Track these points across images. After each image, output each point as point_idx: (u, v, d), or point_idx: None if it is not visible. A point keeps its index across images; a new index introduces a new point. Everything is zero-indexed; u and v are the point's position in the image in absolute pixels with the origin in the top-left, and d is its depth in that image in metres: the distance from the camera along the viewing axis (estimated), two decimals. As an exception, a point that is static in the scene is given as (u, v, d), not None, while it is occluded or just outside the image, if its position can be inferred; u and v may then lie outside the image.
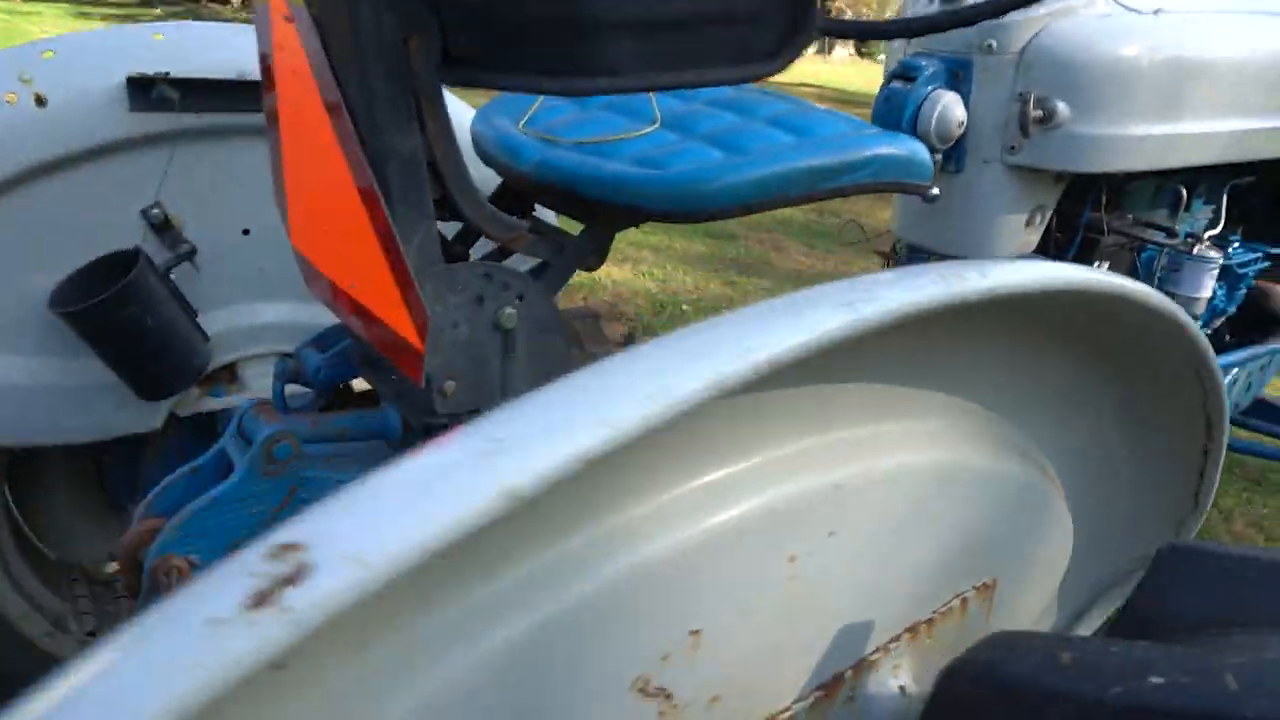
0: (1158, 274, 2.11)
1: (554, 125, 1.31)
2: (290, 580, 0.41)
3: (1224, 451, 1.04)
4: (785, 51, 0.86)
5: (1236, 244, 2.23)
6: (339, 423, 1.19)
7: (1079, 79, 1.61)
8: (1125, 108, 1.66)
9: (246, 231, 1.65)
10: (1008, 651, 0.69)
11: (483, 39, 0.91)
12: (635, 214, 1.15)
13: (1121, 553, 1.11)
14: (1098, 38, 1.63)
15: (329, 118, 0.98)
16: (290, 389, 1.28)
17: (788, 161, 1.13)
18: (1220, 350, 2.32)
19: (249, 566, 0.42)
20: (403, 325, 1.01)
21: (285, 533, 0.44)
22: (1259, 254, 2.27)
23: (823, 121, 1.25)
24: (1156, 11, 1.76)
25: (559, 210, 1.36)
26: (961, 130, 1.64)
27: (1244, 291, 2.34)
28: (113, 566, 2.11)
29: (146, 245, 1.54)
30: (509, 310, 1.06)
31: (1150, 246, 2.06)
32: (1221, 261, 2.10)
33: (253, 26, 1.20)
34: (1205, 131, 1.81)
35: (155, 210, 1.53)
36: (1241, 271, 2.27)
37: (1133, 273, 2.09)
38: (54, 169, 1.41)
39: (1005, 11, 1.11)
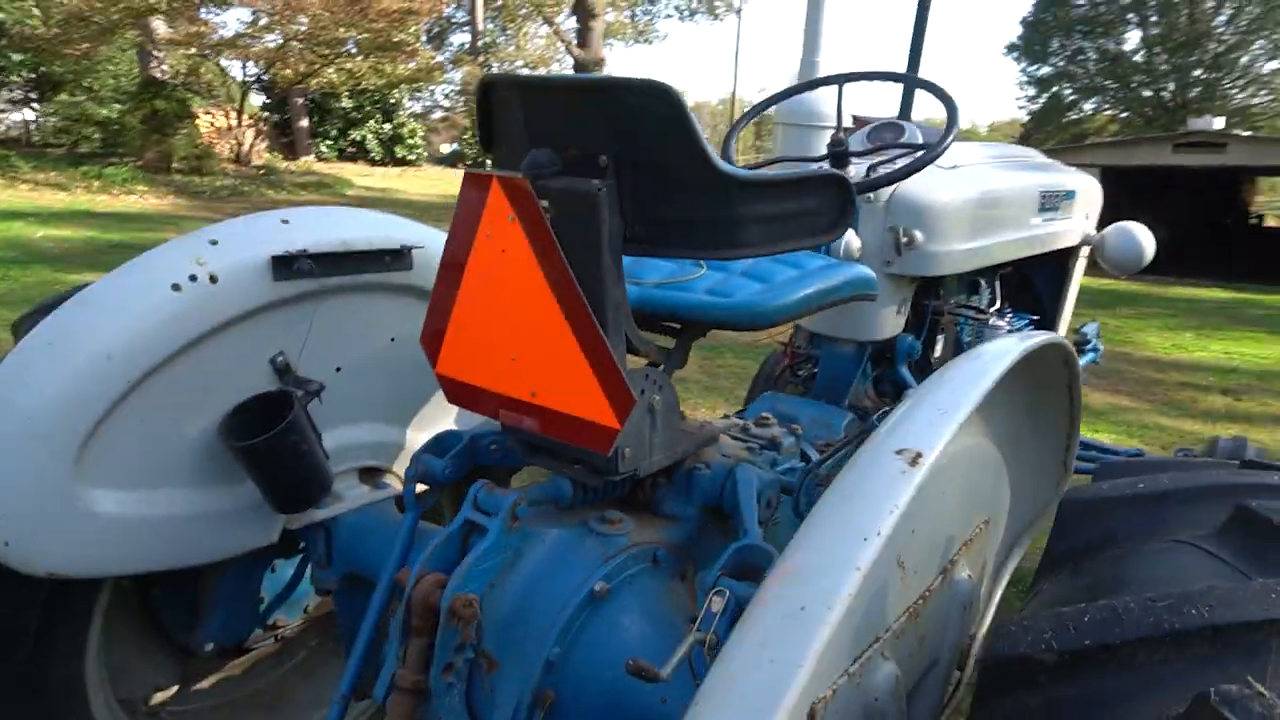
0: (966, 340, 2.96)
1: (630, 271, 1.87)
2: None
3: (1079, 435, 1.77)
4: (839, 227, 1.50)
5: (1010, 315, 3.15)
6: (532, 493, 1.63)
7: (925, 215, 2.43)
8: (950, 231, 2.49)
9: (339, 369, 2.03)
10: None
11: (659, 229, 1.48)
12: (711, 327, 1.73)
13: (1029, 508, 1.79)
14: (931, 187, 2.47)
15: (546, 277, 1.46)
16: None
17: (806, 287, 1.77)
18: None
19: None
20: (602, 414, 1.50)
21: None
22: (1025, 321, 3.21)
23: (805, 258, 1.91)
24: (954, 167, 2.64)
25: (658, 330, 1.90)
26: (859, 253, 2.39)
27: None
28: (161, 696, 2.26)
29: (266, 383, 1.89)
30: (657, 398, 1.59)
31: (962, 321, 2.92)
32: (1006, 328, 2.99)
33: (340, 210, 1.71)
34: (990, 242, 2.70)
35: (280, 358, 1.89)
36: (1015, 332, 3.20)
37: (955, 340, 2.93)
38: (221, 330, 1.75)
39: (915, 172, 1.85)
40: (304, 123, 28.95)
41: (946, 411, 1.03)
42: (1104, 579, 1.15)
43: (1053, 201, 3.05)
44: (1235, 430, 6.48)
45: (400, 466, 2.23)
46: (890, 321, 2.55)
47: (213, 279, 1.73)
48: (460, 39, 35.40)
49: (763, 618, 0.81)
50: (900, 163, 2.25)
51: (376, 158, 31.73)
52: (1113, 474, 1.40)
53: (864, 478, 0.94)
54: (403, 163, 32.04)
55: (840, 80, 2.37)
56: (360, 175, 26.56)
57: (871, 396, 2.65)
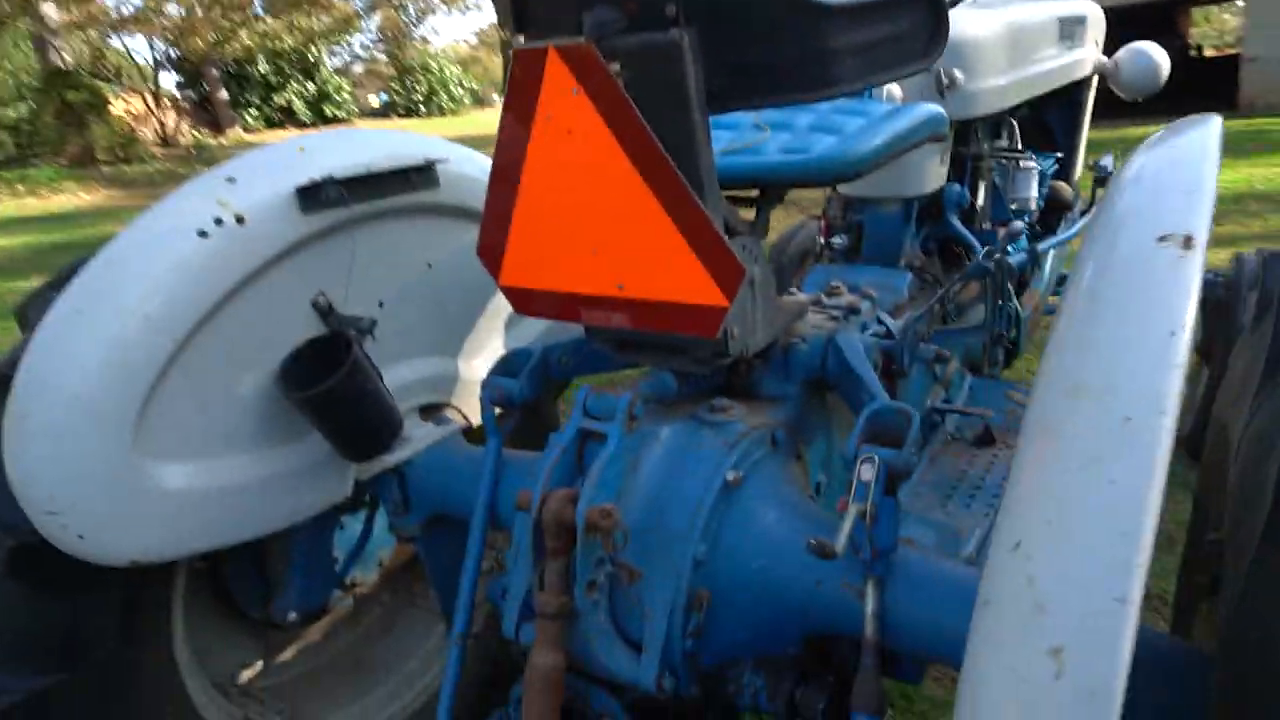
0: (999, 185, 2.86)
1: None
2: None
3: None
4: (934, 50, 1.36)
5: (1033, 154, 3.04)
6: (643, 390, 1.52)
7: (964, 54, 2.28)
8: (989, 69, 2.35)
9: (381, 304, 1.88)
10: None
11: (742, 78, 1.33)
12: (794, 186, 1.60)
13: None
14: (965, 24, 2.31)
15: (626, 151, 1.32)
16: None
17: (882, 132, 1.64)
18: (1043, 238, 3.13)
19: None
20: (707, 294, 1.38)
21: None
22: (1050, 160, 3.10)
23: (869, 105, 1.77)
24: (975, 1, 2.49)
25: (735, 200, 1.76)
26: (901, 101, 2.25)
27: (1047, 189, 3.17)
28: (248, 674, 2.17)
29: (312, 327, 1.74)
30: (756, 269, 1.47)
31: (995, 166, 2.80)
32: (1036, 168, 2.88)
33: (356, 131, 1.54)
34: (1024, 76, 2.56)
35: (321, 298, 1.74)
36: (1043, 174, 3.10)
37: (992, 187, 2.82)
38: (257, 275, 1.60)
39: None
40: (223, 94, 27.71)
41: (1191, 191, 0.91)
42: None
43: (1070, 29, 2.91)
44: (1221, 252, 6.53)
45: (459, 399, 2.10)
46: (935, 172, 2.42)
47: (239, 220, 1.56)
48: (370, -17, 33.90)
49: (1078, 435, 0.69)
50: None
51: (305, 120, 30.59)
52: None
53: (1132, 274, 0.82)
54: (333, 121, 30.95)
55: None
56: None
57: (920, 255, 2.55)
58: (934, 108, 1.79)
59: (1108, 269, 0.84)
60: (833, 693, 1.43)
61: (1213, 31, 44.24)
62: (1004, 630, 0.65)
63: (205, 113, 27.71)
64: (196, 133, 23.80)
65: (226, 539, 1.64)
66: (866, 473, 1.30)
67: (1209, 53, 30.37)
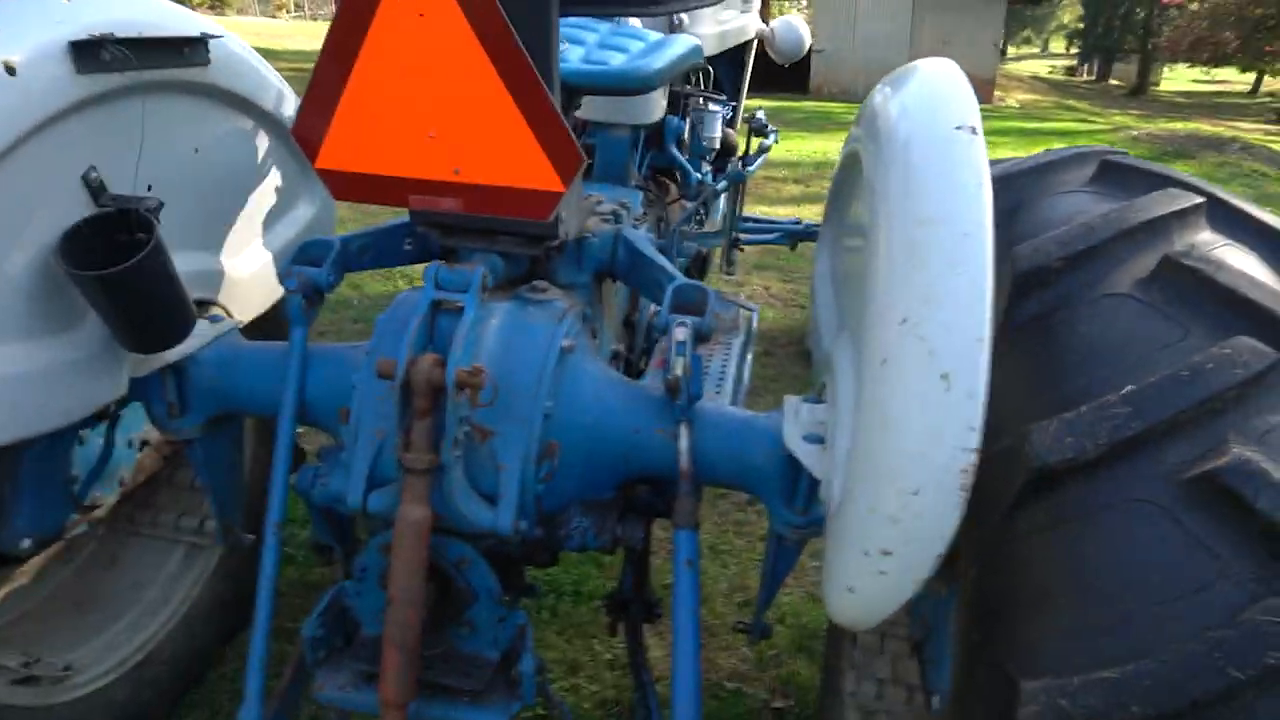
0: (695, 123, 3.29)
1: None
2: None
3: None
4: None
5: (720, 100, 3.53)
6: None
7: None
8: (703, 17, 2.72)
9: (150, 187, 1.74)
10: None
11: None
12: (600, 92, 1.80)
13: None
14: None
15: (481, 36, 1.42)
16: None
17: (665, 54, 1.89)
18: (716, 177, 3.67)
19: None
20: (545, 179, 1.54)
21: None
22: (727, 106, 3.62)
23: (641, 34, 2.02)
24: None
25: None
26: None
27: (718, 134, 3.69)
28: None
29: (80, 206, 1.58)
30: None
31: (695, 106, 3.23)
32: (720, 111, 3.37)
33: None
34: (725, 29, 2.99)
35: (94, 174, 1.58)
36: (725, 119, 3.60)
37: (692, 125, 3.24)
38: (29, 137, 1.42)
39: None
40: None
41: (961, 96, 1.23)
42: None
43: None
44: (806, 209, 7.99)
45: (225, 297, 1.99)
46: (659, 105, 2.74)
47: (9, 69, 1.37)
48: None
49: (933, 246, 0.99)
50: None
51: None
52: None
53: (941, 151, 1.12)
54: None
55: None
56: None
57: (641, 179, 2.87)
58: (695, 40, 2.10)
59: (912, 150, 1.16)
60: (646, 526, 1.71)
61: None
62: (905, 370, 0.96)
63: None
64: None
65: (7, 433, 1.45)
66: (681, 334, 1.58)
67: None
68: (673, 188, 3.12)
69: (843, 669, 2.19)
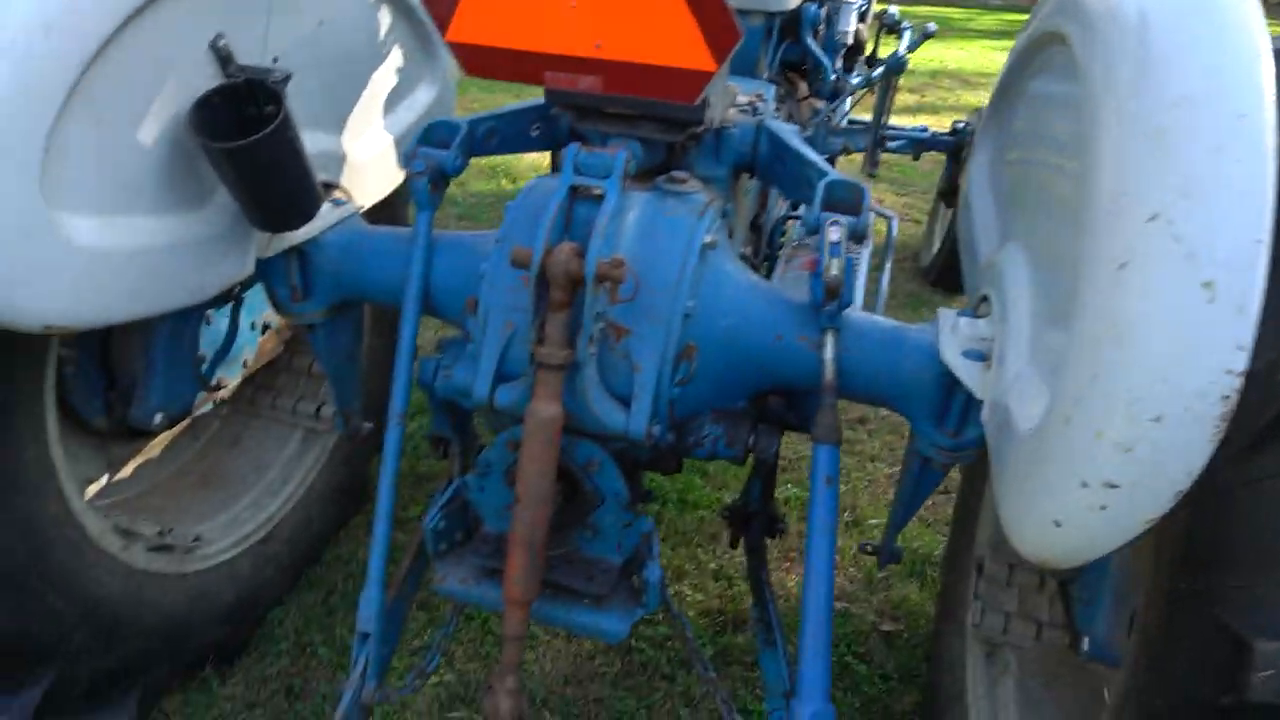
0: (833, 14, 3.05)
1: None
2: None
3: None
4: None
5: None
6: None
7: None
8: None
9: (275, 60, 1.66)
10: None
11: None
12: None
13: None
14: None
15: None
16: None
17: None
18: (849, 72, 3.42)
19: None
20: (696, 57, 1.40)
21: None
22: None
23: None
24: None
25: None
26: None
27: (853, 28, 3.43)
28: (94, 488, 1.94)
29: (208, 75, 1.51)
30: None
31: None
32: (856, 4, 3.11)
33: None
34: None
35: (221, 41, 1.51)
36: (858, 10, 3.33)
37: (830, 14, 3.00)
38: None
39: None
40: None
41: None
42: None
43: None
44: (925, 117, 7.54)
45: (346, 179, 1.93)
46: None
47: None
48: None
49: (1197, 129, 0.82)
50: None
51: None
52: None
53: (1188, 20, 0.92)
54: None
55: None
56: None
57: (772, 73, 2.67)
58: None
59: (1158, 18, 0.95)
60: (779, 437, 1.61)
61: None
62: (1153, 277, 0.82)
63: None
64: None
65: (138, 309, 1.44)
66: (835, 234, 1.44)
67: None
68: (801, 84, 2.91)
69: (965, 599, 2.09)
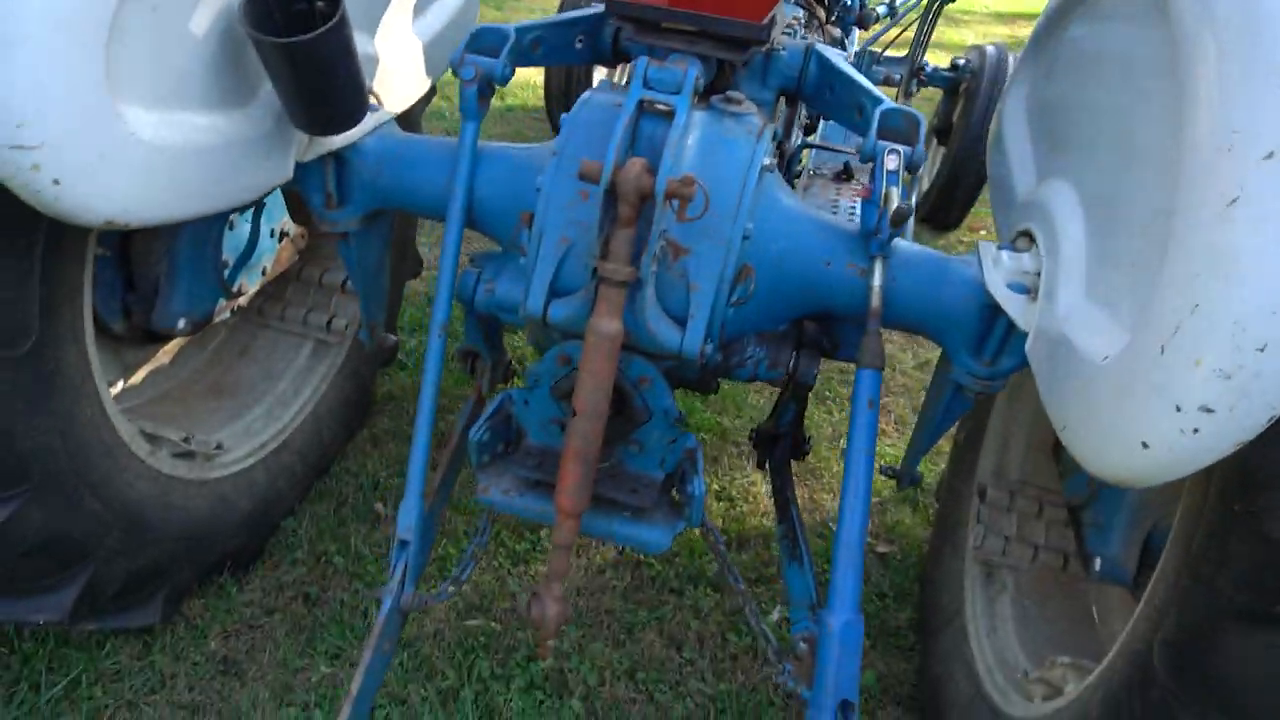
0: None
1: None
2: None
3: None
4: None
5: None
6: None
7: None
8: None
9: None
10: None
11: None
12: None
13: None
14: None
15: None
16: None
17: None
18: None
19: None
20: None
21: None
22: None
23: None
24: None
25: None
26: None
27: None
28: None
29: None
30: None
31: None
32: None
33: None
34: None
35: None
36: None
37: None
38: None
39: None
40: None
41: None
42: None
43: None
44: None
45: (379, 86, 1.88)
46: None
47: None
48: None
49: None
50: None
51: None
52: None
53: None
54: None
55: None
56: None
57: None
58: None
59: None
60: (818, 362, 1.65)
61: None
62: (1270, 215, 0.86)
63: None
64: None
65: (192, 207, 1.40)
66: (892, 163, 1.46)
67: None
68: (820, 9, 2.87)
69: (966, 522, 2.19)
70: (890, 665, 2.25)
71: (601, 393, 1.40)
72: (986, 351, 1.53)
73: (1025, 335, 1.40)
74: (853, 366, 1.49)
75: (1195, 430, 0.91)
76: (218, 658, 2.02)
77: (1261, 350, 0.86)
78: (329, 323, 2.36)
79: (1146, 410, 0.96)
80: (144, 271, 1.86)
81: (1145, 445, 0.95)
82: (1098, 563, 1.64)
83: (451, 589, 1.69)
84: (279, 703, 1.95)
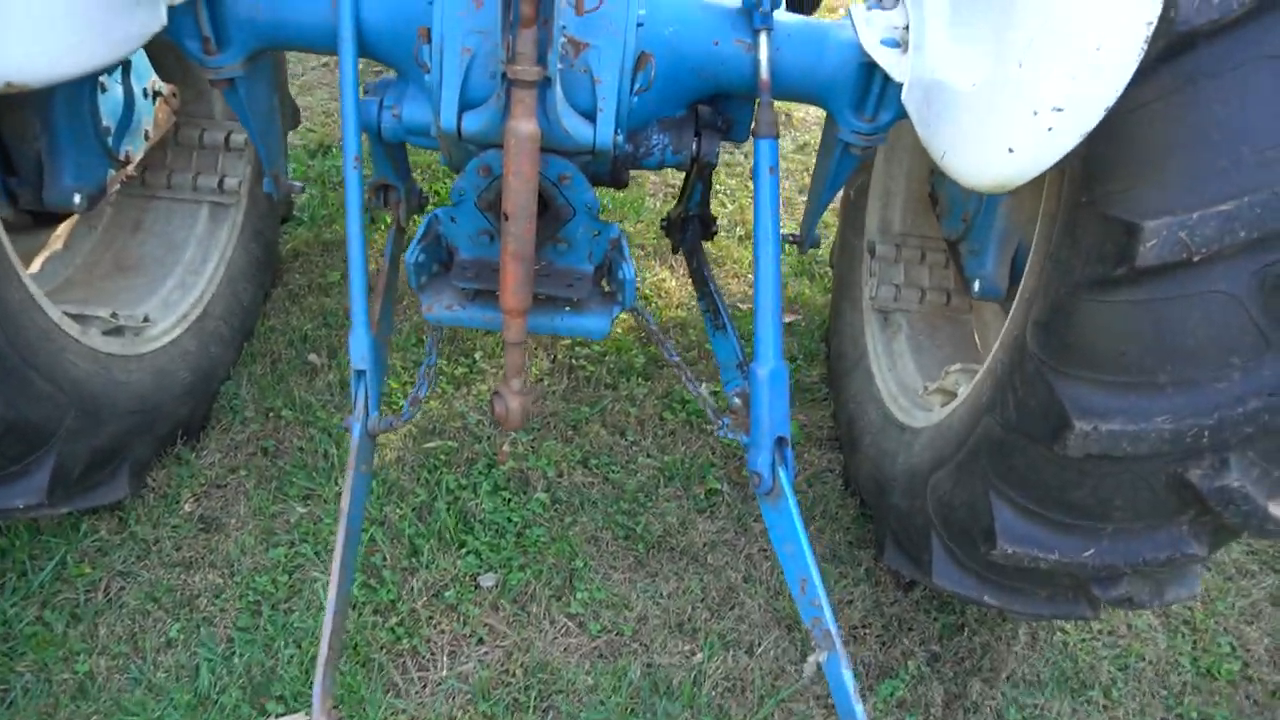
0: None
1: None
2: None
3: None
4: None
5: None
6: None
7: None
8: None
9: None
10: None
11: None
12: None
13: None
14: None
15: None
16: None
17: None
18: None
19: None
20: None
21: None
22: None
23: None
24: None
25: None
26: None
27: None
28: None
29: None
30: None
31: None
32: None
33: None
34: None
35: None
36: None
37: None
38: None
39: None
40: None
41: None
42: None
43: None
44: None
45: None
46: None
47: None
48: None
49: None
50: None
51: None
52: None
53: None
54: None
55: None
56: None
57: None
58: None
59: None
60: (719, 142, 1.76)
61: None
62: None
63: None
64: None
65: (81, 63, 1.36)
66: None
67: None
68: None
69: (859, 280, 2.43)
70: (809, 415, 2.54)
71: (529, 192, 1.48)
72: (867, 108, 1.67)
73: (900, 86, 1.54)
74: (742, 160, 1.61)
75: (1050, 129, 1.08)
76: (195, 518, 2.12)
77: (1099, 50, 1.02)
78: (220, 183, 2.31)
79: (1010, 119, 1.12)
80: (22, 151, 1.78)
81: (1011, 150, 1.12)
82: (976, 284, 1.89)
83: (413, 409, 1.81)
84: (266, 545, 2.08)
